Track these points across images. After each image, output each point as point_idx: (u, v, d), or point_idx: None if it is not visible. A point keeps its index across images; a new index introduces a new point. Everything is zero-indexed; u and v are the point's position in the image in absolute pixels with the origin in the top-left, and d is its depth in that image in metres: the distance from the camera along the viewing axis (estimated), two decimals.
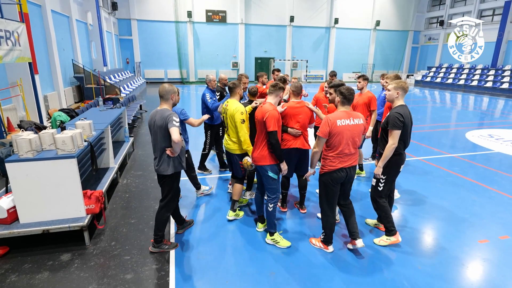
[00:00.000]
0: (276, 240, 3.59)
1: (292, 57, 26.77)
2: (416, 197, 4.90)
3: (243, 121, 3.79)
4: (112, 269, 3.15)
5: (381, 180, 3.49)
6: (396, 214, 4.36)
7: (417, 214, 4.38)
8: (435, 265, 3.28)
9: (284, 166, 3.47)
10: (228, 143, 4.03)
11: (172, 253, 3.44)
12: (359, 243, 3.34)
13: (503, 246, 3.65)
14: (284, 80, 5.07)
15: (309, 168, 3.48)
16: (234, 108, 3.80)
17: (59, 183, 3.44)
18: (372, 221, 4.07)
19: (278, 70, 6.84)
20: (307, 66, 26.36)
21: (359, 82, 5.27)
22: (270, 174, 3.43)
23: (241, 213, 4.27)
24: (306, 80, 26.80)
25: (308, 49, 27.32)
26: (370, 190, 3.68)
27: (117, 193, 4.96)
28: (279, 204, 4.43)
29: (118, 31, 22.99)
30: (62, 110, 7.31)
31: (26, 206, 3.41)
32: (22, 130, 5.97)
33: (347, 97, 3.17)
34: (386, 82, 4.78)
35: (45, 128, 6.61)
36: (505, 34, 21.36)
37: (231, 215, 4.17)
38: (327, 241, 3.48)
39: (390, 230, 3.55)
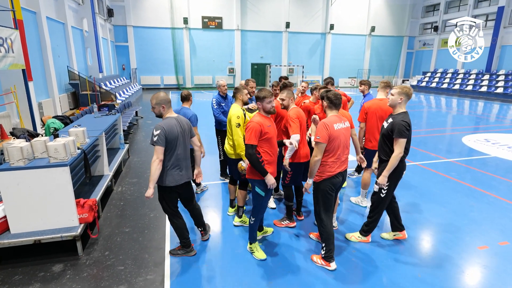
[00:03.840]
0: (253, 250, 3.50)
1: (288, 63, 26.90)
2: (414, 203, 4.87)
3: (238, 125, 3.81)
4: (106, 280, 3.07)
5: (384, 188, 3.43)
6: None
7: (416, 220, 4.33)
8: (435, 273, 3.23)
9: (269, 181, 3.11)
10: (226, 147, 4.07)
11: (167, 263, 3.36)
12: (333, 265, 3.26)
13: (503, 252, 3.61)
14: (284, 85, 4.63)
15: (308, 179, 3.28)
16: (233, 112, 3.85)
17: (51, 192, 3.36)
18: (388, 234, 3.87)
19: (286, 78, 6.05)
20: (303, 72, 26.48)
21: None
22: (257, 190, 3.20)
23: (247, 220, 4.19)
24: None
25: (304, 55, 27.48)
26: (372, 195, 3.62)
27: (111, 201, 4.88)
28: (294, 212, 4.28)
29: (114, 38, 22.99)
30: (56, 117, 7.22)
31: (17, 216, 3.32)
32: (14, 138, 5.88)
33: (334, 102, 3.18)
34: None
35: (38, 135, 6.52)
36: (498, 39, 21.64)
37: (236, 220, 4.16)
38: (328, 256, 3.25)
39: (367, 231, 3.72)
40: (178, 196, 3.36)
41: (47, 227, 3.42)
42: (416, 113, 14.18)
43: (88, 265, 3.30)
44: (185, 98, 4.60)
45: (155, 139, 2.95)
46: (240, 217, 4.13)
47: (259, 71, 26.53)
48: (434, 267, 3.33)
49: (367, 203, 4.63)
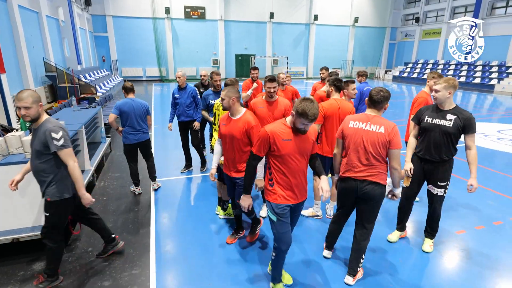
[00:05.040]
0: None
1: (272, 54, 26.77)
2: None
3: None
4: (89, 277, 3.01)
5: (447, 187, 3.26)
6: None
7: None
8: (416, 257, 3.35)
9: (243, 200, 2.60)
10: (213, 142, 3.95)
11: (153, 257, 3.33)
12: (348, 280, 2.94)
13: (479, 236, 3.77)
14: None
15: (335, 173, 3.03)
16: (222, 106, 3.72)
17: (28, 189, 3.24)
18: (394, 235, 3.65)
19: (255, 68, 5.97)
20: (287, 63, 26.44)
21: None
22: (269, 213, 2.58)
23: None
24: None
25: (289, 46, 27.39)
26: (431, 201, 3.37)
27: (93, 196, 4.67)
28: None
29: (92, 28, 22.17)
30: None
31: None
32: None
33: (373, 99, 2.73)
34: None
35: (12, 130, 6.25)
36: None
37: (221, 214, 4.15)
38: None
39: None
40: None
41: (25, 225, 3.31)
42: (399, 103, 14.46)
43: (70, 262, 3.22)
44: (131, 90, 4.67)
45: (60, 143, 2.59)
46: (225, 210, 4.12)
47: (243, 62, 26.30)
48: (415, 252, 3.45)
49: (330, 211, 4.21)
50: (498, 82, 19.59)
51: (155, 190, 4.93)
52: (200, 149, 5.70)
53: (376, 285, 2.93)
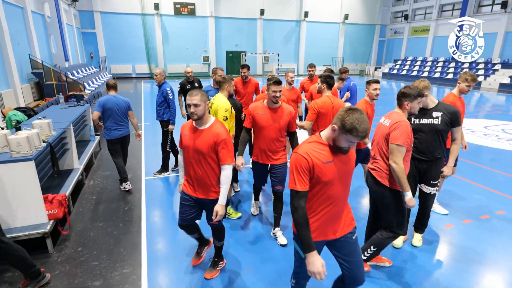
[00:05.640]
0: None
1: (263, 51, 26.71)
2: None
3: (226, 118, 3.57)
4: (79, 277, 2.97)
5: (438, 184, 3.29)
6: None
7: None
8: (407, 251, 3.41)
9: (309, 264, 1.85)
10: None
11: (144, 255, 3.31)
12: None
13: (466, 230, 3.86)
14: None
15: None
16: (219, 104, 3.60)
17: (16, 188, 3.18)
18: (418, 238, 3.56)
19: (246, 66, 5.49)
20: (278, 60, 26.43)
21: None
22: (295, 246, 2.11)
23: (235, 214, 4.13)
24: (277, 73, 26.86)
25: (279, 43, 27.36)
26: (424, 200, 3.36)
27: (83, 195, 4.69)
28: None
29: (79, 24, 21.72)
30: (18, 108, 6.78)
31: None
32: None
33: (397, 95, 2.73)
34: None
35: None
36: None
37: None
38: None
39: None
40: None
41: (13, 225, 3.24)
42: (389, 100, 14.62)
43: (59, 263, 3.17)
44: (113, 87, 4.73)
45: None
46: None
47: (234, 59, 26.18)
48: (404, 246, 3.51)
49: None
50: (485, 78, 20.01)
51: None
52: (164, 151, 5.38)
53: (366, 279, 2.97)
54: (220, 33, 25.34)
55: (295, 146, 3.16)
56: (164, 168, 5.49)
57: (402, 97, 2.68)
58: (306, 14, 26.73)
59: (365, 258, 2.89)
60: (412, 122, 3.13)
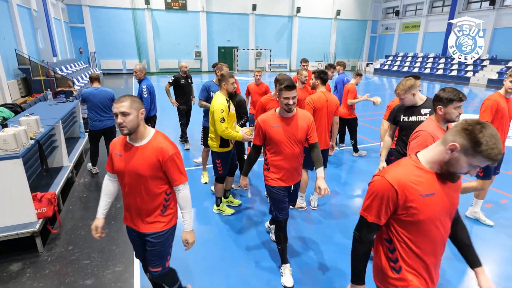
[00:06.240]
0: None
1: (256, 46, 26.59)
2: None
3: (223, 119, 3.46)
4: (70, 276, 2.93)
5: None
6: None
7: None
8: None
9: None
10: (209, 141, 3.80)
11: None
12: None
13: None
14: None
15: None
16: (216, 104, 3.51)
17: (3, 187, 3.11)
18: None
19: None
20: (271, 55, 26.36)
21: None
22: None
23: (228, 211, 4.11)
24: (270, 69, 26.84)
25: (272, 38, 27.27)
26: None
27: (73, 193, 4.63)
28: None
29: (68, 18, 21.26)
30: (4, 105, 6.60)
31: None
32: None
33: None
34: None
35: None
36: (453, 25, 22.84)
37: (215, 209, 4.14)
38: None
39: None
40: None
41: (1, 225, 3.17)
42: (380, 96, 14.72)
43: (50, 262, 3.12)
44: (96, 79, 4.92)
45: None
46: (218, 205, 4.10)
47: (226, 55, 26.00)
48: None
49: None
50: (473, 74, 20.33)
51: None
52: None
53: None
54: (212, 28, 25.12)
55: (317, 161, 2.70)
56: None
57: (434, 101, 2.39)
58: (298, 10, 26.66)
59: None
60: (401, 120, 3.11)
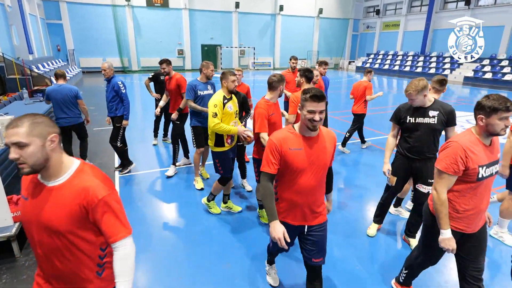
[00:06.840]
0: None
1: (239, 44, 26.51)
2: (363, 179, 5.20)
3: (215, 114, 3.42)
4: None
5: None
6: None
7: (364, 196, 4.66)
8: (395, 251, 3.53)
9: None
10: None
11: None
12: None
13: None
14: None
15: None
16: (211, 99, 3.51)
17: None
18: (373, 229, 3.62)
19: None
20: (254, 53, 26.34)
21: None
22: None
23: (216, 209, 4.07)
24: (254, 67, 26.82)
25: (255, 36, 27.26)
26: (422, 201, 3.14)
27: None
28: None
29: (44, 14, 20.50)
30: None
31: None
32: None
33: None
34: None
35: None
36: (431, 24, 23.55)
37: (203, 200, 4.13)
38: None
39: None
40: None
41: None
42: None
43: (27, 267, 3.02)
44: (61, 76, 4.93)
45: None
46: (208, 200, 4.05)
47: (209, 53, 25.80)
48: (404, 249, 3.63)
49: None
50: (451, 72, 21.04)
51: None
52: (116, 147, 5.09)
53: (366, 280, 3.05)
54: (195, 26, 24.85)
55: (331, 185, 2.33)
56: (124, 162, 5.27)
57: (475, 109, 2.02)
58: (281, 8, 26.75)
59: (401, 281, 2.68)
60: (408, 121, 3.05)
